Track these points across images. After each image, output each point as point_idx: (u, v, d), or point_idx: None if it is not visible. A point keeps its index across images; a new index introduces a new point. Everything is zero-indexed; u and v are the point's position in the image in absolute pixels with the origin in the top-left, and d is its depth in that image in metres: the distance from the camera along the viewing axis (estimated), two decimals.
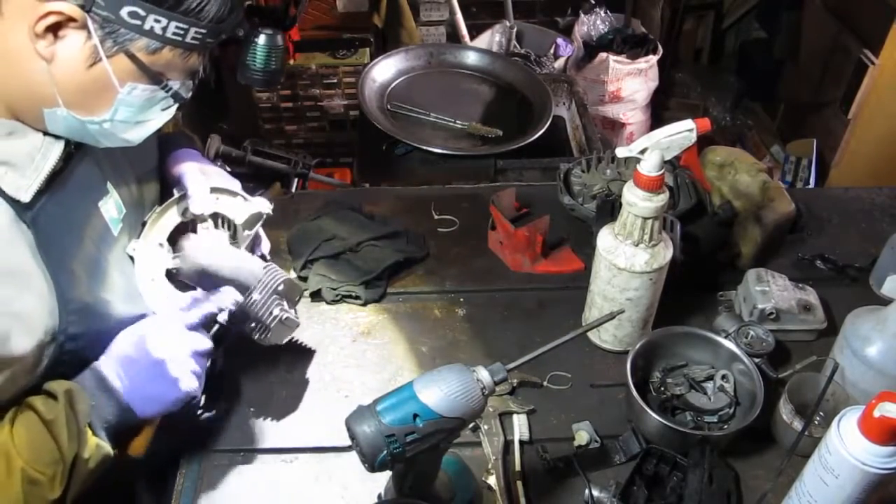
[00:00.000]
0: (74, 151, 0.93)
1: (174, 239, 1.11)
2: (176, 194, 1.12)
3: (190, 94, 0.93)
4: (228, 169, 2.06)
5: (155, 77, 0.85)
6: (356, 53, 2.71)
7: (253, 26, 1.17)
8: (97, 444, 0.88)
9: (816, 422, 1.08)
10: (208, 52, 0.90)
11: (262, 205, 1.16)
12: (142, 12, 0.78)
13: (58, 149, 0.88)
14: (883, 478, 0.81)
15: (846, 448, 0.81)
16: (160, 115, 0.93)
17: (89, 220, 0.97)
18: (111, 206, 1.02)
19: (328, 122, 2.80)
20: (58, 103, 0.83)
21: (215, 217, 1.14)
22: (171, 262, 1.07)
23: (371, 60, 2.17)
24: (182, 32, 0.82)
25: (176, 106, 0.93)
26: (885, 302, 1.10)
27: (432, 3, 3.02)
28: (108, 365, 0.92)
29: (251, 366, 1.21)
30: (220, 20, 0.85)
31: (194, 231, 1.13)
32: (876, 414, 0.78)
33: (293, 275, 1.36)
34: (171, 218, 1.11)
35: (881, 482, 0.82)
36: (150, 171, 1.15)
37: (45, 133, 0.87)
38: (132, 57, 0.82)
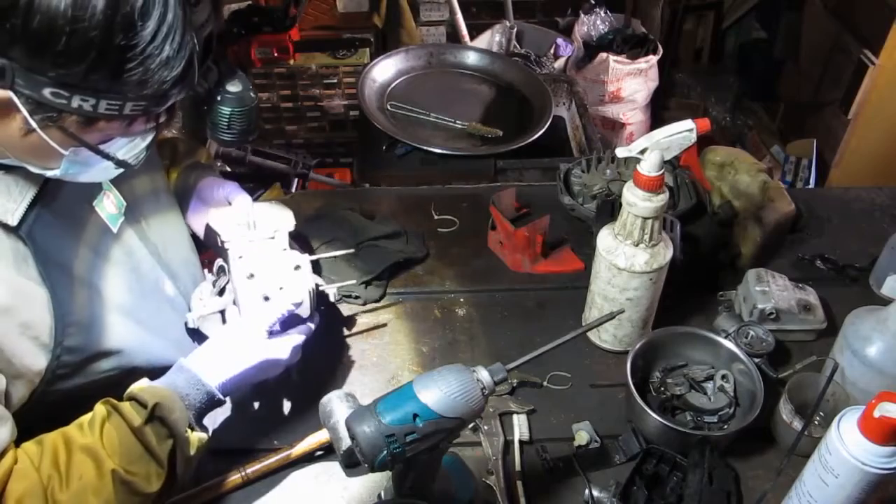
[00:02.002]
0: None
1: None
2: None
3: (142, 158, 0.88)
4: (229, 169, 2.07)
5: (94, 148, 0.80)
6: (356, 53, 2.71)
7: (220, 76, 1.06)
8: (199, 438, 0.92)
9: (816, 422, 1.08)
10: (161, 114, 0.84)
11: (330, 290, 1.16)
12: (65, 93, 0.73)
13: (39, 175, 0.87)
14: (883, 478, 0.81)
15: (846, 448, 0.81)
16: (116, 169, 0.87)
17: (85, 222, 0.97)
18: (108, 203, 1.01)
19: (328, 122, 2.80)
20: (9, 157, 0.82)
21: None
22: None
23: (371, 60, 2.16)
24: (117, 107, 0.76)
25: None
26: (885, 302, 1.10)
27: (432, 3, 3.02)
28: (205, 372, 0.96)
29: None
30: (164, 90, 0.78)
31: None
32: (876, 414, 0.78)
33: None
34: (265, 252, 1.14)
35: (881, 482, 0.82)
36: (150, 174, 1.14)
37: None
38: (65, 131, 0.77)
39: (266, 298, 1.06)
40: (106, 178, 0.92)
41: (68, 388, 0.91)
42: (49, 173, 0.83)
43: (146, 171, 1.11)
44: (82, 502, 0.82)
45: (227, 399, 1.00)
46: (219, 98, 1.07)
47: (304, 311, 1.08)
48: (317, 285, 1.12)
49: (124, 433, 0.86)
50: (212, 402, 0.96)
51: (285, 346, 1.03)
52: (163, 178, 1.20)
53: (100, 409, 0.89)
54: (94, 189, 0.99)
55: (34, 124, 0.75)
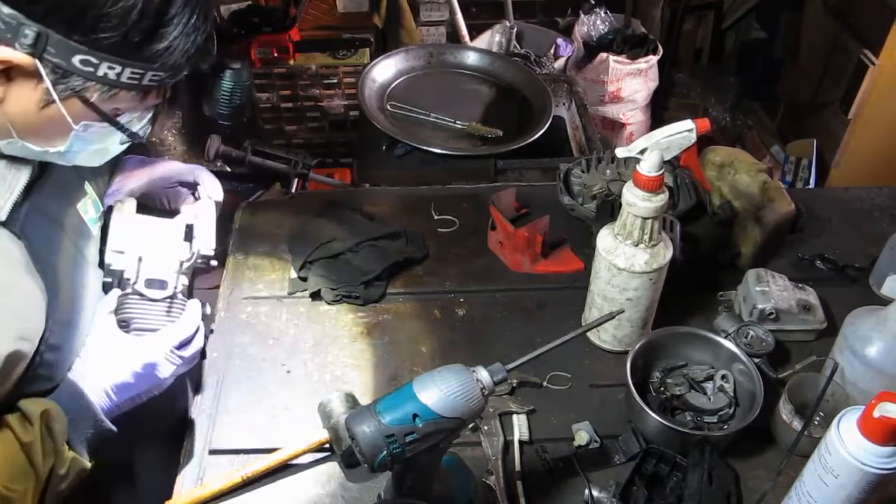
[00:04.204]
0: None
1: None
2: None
3: (147, 131, 0.90)
4: (229, 169, 2.07)
5: (111, 118, 0.83)
6: (356, 53, 2.71)
7: (219, 58, 1.15)
8: (73, 458, 0.88)
9: (816, 422, 1.08)
10: (168, 88, 0.87)
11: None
12: (94, 60, 0.76)
13: (28, 166, 0.88)
14: (883, 478, 0.81)
15: (846, 448, 0.81)
16: (118, 147, 0.91)
17: (69, 222, 0.97)
18: (89, 206, 1.02)
19: (328, 122, 2.80)
20: (11, 135, 0.82)
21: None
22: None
23: (371, 60, 2.16)
24: (138, 76, 0.79)
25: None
26: (884, 302, 1.10)
27: (432, 3, 3.02)
28: (87, 376, 0.92)
29: (251, 366, 1.21)
30: (182, 63, 0.81)
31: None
32: (876, 414, 0.78)
33: (294, 275, 1.36)
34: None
35: (881, 482, 0.82)
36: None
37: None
38: (86, 101, 0.79)
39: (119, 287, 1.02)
40: (102, 160, 0.92)
41: (43, 390, 0.89)
42: (52, 150, 0.84)
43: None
44: None
45: (107, 423, 0.93)
46: (221, 75, 1.13)
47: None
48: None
49: (10, 449, 0.83)
50: (95, 422, 0.91)
51: (158, 348, 0.96)
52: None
53: None
54: (77, 191, 1.00)
55: (55, 95, 0.77)
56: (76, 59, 0.75)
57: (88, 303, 0.98)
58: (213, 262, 1.12)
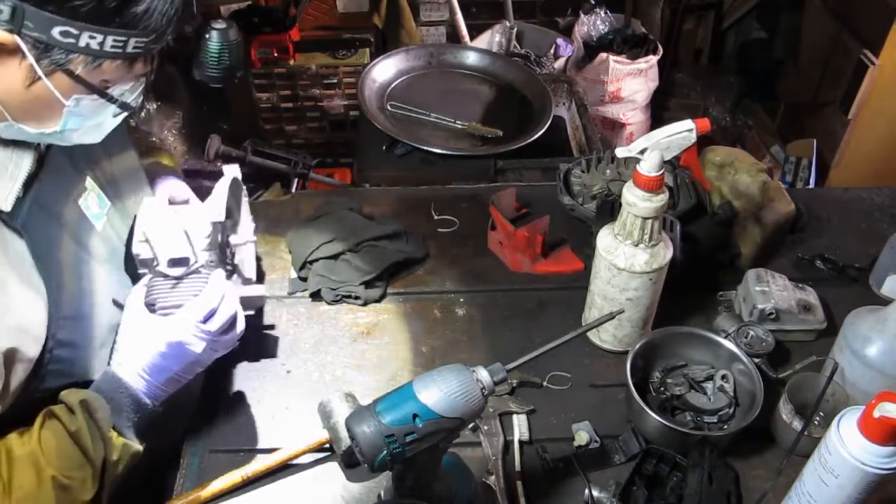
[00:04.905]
0: (46, 153, 0.93)
1: None
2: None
3: (140, 102, 0.90)
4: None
5: (99, 90, 0.83)
6: (356, 53, 2.71)
7: (204, 20, 1.12)
8: (124, 444, 0.90)
9: (816, 422, 1.08)
10: (155, 55, 0.87)
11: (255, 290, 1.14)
12: (74, 31, 0.75)
13: (29, 155, 0.88)
14: (883, 478, 0.81)
15: (846, 448, 0.81)
16: (113, 120, 0.91)
17: (70, 218, 0.97)
18: (92, 202, 1.02)
19: (328, 122, 2.80)
20: (6, 118, 0.82)
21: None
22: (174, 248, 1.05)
23: (371, 60, 2.17)
24: (121, 44, 0.79)
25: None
26: (884, 302, 1.10)
27: (432, 3, 3.02)
28: (123, 363, 0.93)
29: (251, 366, 1.21)
30: (163, 26, 0.81)
31: None
32: (876, 414, 0.78)
33: (294, 275, 1.36)
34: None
35: (881, 482, 0.82)
36: (122, 154, 1.14)
37: (10, 141, 0.87)
38: (71, 74, 0.79)
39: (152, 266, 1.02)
40: (99, 136, 0.92)
41: (61, 385, 0.91)
42: (48, 130, 0.84)
43: (119, 151, 1.12)
44: None
45: (152, 403, 0.95)
46: (206, 36, 1.12)
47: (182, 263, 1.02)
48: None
49: (62, 438, 0.85)
50: (138, 405, 0.93)
51: (182, 324, 0.95)
52: (136, 157, 1.19)
53: (39, 417, 0.88)
54: (77, 185, 1.00)
55: (40, 71, 0.77)
56: (56, 32, 0.75)
57: (101, 297, 0.98)
58: (236, 238, 1.10)
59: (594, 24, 3.09)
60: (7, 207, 0.84)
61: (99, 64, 0.80)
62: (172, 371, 0.95)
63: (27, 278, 0.86)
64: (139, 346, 0.95)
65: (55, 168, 0.94)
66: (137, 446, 0.92)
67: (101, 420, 0.88)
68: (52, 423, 0.87)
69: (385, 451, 0.78)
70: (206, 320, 0.97)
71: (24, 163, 0.87)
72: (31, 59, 0.76)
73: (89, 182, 1.02)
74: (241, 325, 1.02)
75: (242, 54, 1.22)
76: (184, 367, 0.96)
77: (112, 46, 0.78)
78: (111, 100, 0.85)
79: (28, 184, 0.88)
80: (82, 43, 0.77)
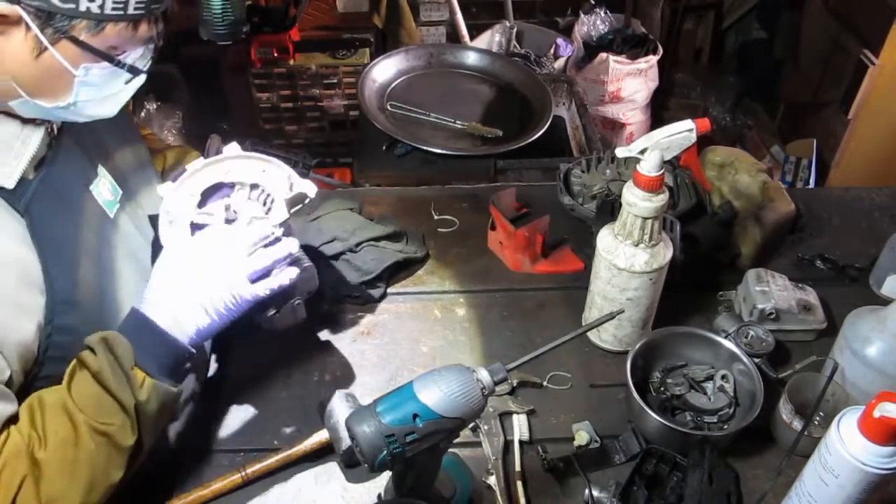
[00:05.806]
0: (56, 137, 0.93)
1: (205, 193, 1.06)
2: (224, 153, 1.08)
3: (149, 65, 0.91)
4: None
5: (106, 55, 0.84)
6: (356, 53, 2.71)
7: None
8: (154, 385, 0.87)
9: (816, 422, 1.08)
10: (160, 16, 0.87)
11: (308, 187, 1.06)
12: None
13: (38, 135, 0.88)
14: (883, 478, 0.81)
15: (846, 448, 0.81)
16: (126, 88, 0.91)
17: (83, 205, 0.97)
18: (104, 189, 1.02)
19: (328, 122, 2.80)
20: (20, 95, 0.83)
21: (255, 187, 1.08)
22: (198, 216, 1.02)
23: (371, 60, 2.17)
24: (122, 5, 0.80)
25: (141, 77, 0.91)
26: (885, 302, 1.10)
27: (432, 3, 3.02)
28: (149, 301, 0.91)
29: (251, 366, 1.21)
30: None
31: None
32: (876, 414, 0.78)
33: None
34: (211, 175, 1.06)
35: (881, 482, 0.82)
36: (132, 146, 1.14)
37: (25, 120, 0.87)
38: (76, 41, 0.81)
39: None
40: (115, 107, 0.92)
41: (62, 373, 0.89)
42: (62, 104, 0.85)
43: (128, 143, 1.12)
44: (63, 457, 0.82)
45: (191, 346, 0.92)
46: None
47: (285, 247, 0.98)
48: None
49: (89, 383, 0.85)
50: (168, 347, 0.90)
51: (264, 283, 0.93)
52: (146, 150, 1.18)
53: (69, 367, 0.87)
54: (89, 172, 1.00)
55: (45, 40, 0.79)
56: None
57: (119, 286, 0.97)
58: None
59: (594, 24, 3.09)
60: (10, 185, 0.84)
61: (102, 28, 0.81)
62: (210, 318, 0.92)
63: (21, 257, 0.84)
64: (174, 289, 0.92)
65: (66, 154, 0.95)
66: (170, 388, 0.89)
67: (122, 357, 0.85)
68: (79, 372, 0.86)
69: (385, 451, 0.78)
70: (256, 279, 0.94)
71: (31, 142, 0.87)
72: (34, 28, 0.78)
73: (101, 169, 1.02)
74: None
75: (244, 8, 1.22)
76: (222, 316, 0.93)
77: (113, 8, 0.80)
78: (119, 65, 0.86)
79: (37, 167, 0.88)
80: (83, 7, 0.78)
